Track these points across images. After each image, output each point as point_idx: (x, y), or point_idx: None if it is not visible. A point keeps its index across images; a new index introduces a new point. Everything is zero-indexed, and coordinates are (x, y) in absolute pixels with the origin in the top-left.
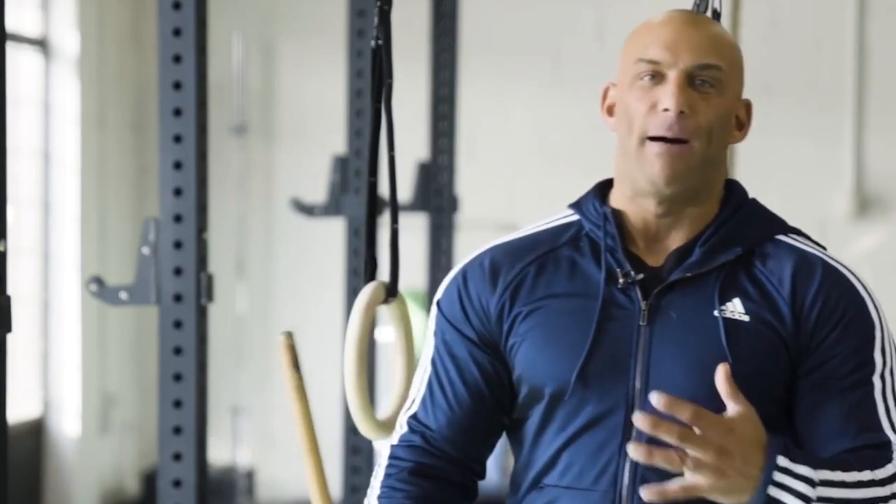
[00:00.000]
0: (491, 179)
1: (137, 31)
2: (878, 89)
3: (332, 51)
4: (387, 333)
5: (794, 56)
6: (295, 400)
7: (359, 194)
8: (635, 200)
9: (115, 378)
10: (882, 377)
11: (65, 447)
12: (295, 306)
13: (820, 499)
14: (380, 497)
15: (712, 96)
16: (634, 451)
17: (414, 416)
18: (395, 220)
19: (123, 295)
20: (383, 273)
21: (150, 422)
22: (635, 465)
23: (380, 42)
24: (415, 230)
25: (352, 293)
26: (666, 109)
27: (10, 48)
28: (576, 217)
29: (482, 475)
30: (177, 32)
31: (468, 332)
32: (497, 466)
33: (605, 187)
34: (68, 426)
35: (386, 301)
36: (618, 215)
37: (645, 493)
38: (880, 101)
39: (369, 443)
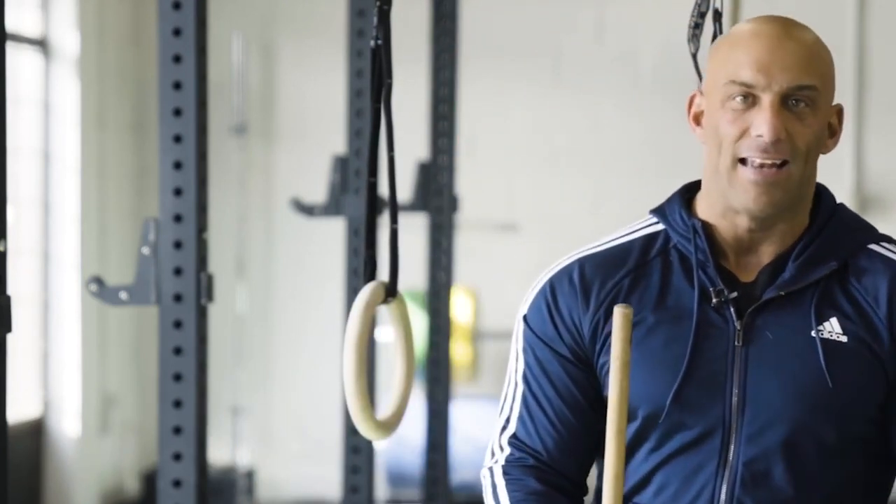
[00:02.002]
0: (491, 179)
1: (137, 31)
2: (877, 90)
3: (332, 51)
4: (386, 333)
5: None
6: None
7: (359, 194)
8: (725, 215)
9: (115, 378)
10: None
11: (65, 447)
12: (295, 306)
13: None
14: (508, 487)
15: (807, 116)
16: None
17: (515, 437)
18: (394, 220)
19: (123, 295)
20: (383, 273)
21: (151, 422)
22: (732, 488)
23: (379, 42)
24: (415, 230)
25: (352, 293)
26: (760, 136)
27: (10, 48)
28: (660, 226)
29: (586, 490)
30: (177, 32)
31: (561, 349)
32: None
33: (687, 192)
34: (68, 426)
35: (386, 301)
36: (707, 228)
37: None
38: (880, 102)
39: (369, 443)
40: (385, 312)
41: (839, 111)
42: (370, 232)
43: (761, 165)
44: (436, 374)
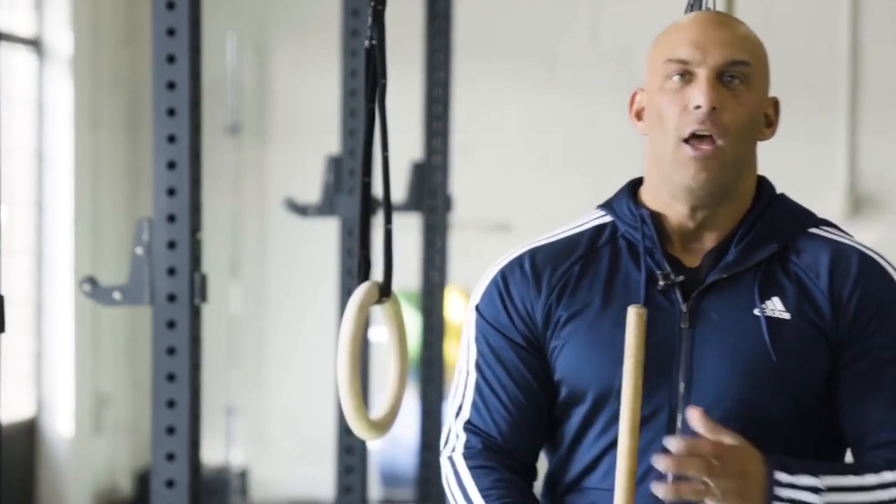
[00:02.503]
0: (485, 179)
1: (131, 31)
2: (871, 90)
3: (326, 51)
4: (380, 334)
5: (787, 56)
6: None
7: (352, 194)
8: (669, 202)
9: (109, 378)
10: None
11: (58, 447)
12: (289, 306)
13: None
14: (471, 473)
15: (742, 92)
16: (659, 490)
17: (470, 423)
18: (388, 220)
19: (117, 295)
20: (377, 273)
21: (144, 422)
22: None
23: (374, 42)
24: (409, 230)
25: (345, 293)
26: (698, 107)
27: (4, 48)
28: (608, 218)
29: (536, 474)
30: (171, 32)
31: (514, 336)
32: None
33: (635, 187)
34: (62, 426)
35: (380, 301)
36: (653, 216)
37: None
38: (874, 102)
39: (363, 443)
40: (379, 312)
41: (775, 103)
42: (364, 232)
43: (700, 139)
44: (429, 374)
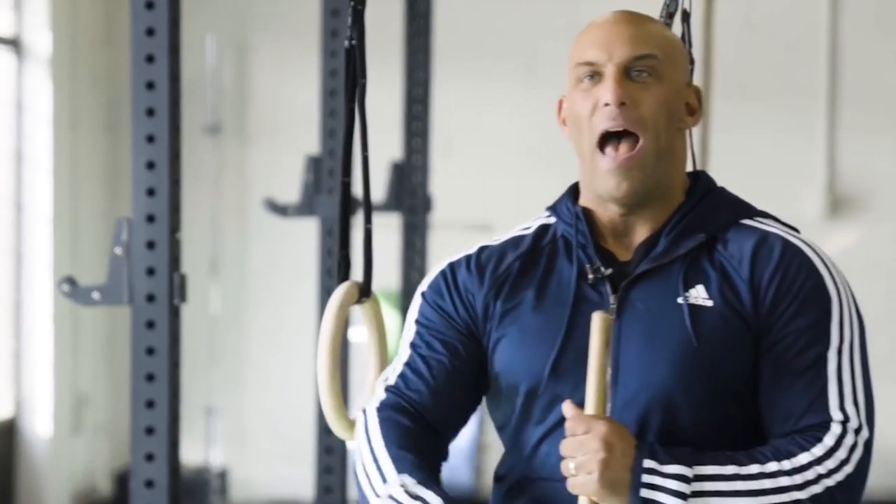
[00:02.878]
0: (465, 179)
1: (110, 31)
2: (850, 90)
3: (306, 51)
4: (360, 333)
5: (767, 56)
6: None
7: (332, 194)
8: (599, 202)
9: (88, 378)
10: (839, 352)
11: (37, 447)
12: (268, 306)
13: (699, 493)
14: (379, 422)
15: (651, 84)
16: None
17: (393, 385)
18: (368, 220)
19: (96, 295)
20: (357, 273)
21: (123, 422)
22: None
23: (353, 42)
24: (388, 230)
25: (325, 293)
26: (607, 104)
27: None
28: (553, 219)
29: (447, 455)
30: (150, 32)
31: (456, 320)
32: (470, 467)
33: (578, 187)
34: (40, 426)
35: (359, 301)
36: (588, 214)
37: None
38: (853, 102)
39: (342, 443)
40: (359, 312)
41: (697, 91)
42: (344, 232)
43: (617, 141)
44: None
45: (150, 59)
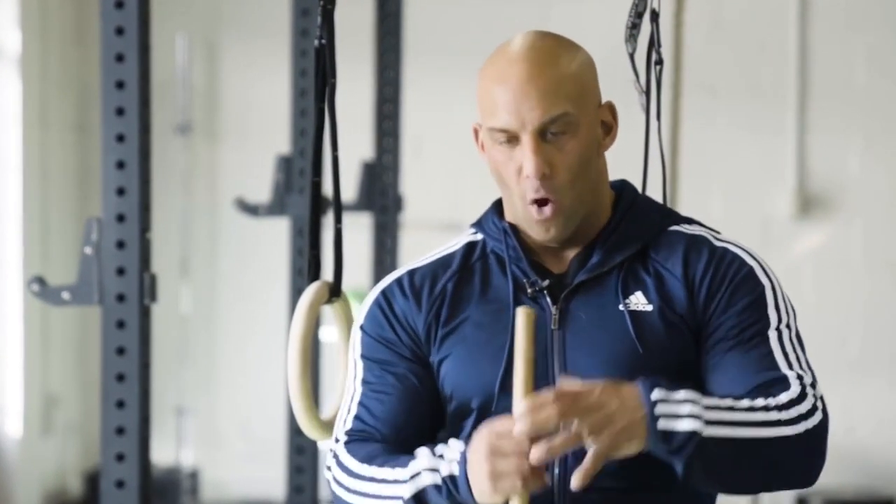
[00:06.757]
0: (436, 179)
1: (80, 30)
2: (820, 91)
3: (277, 50)
4: (330, 333)
5: (737, 57)
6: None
7: (303, 194)
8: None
9: (58, 378)
10: (778, 330)
11: (7, 448)
12: (239, 306)
13: (711, 422)
14: (349, 452)
15: (567, 141)
16: (535, 453)
17: (351, 429)
18: (338, 220)
19: (66, 295)
20: (327, 273)
21: (93, 422)
22: (564, 462)
23: (323, 41)
24: (359, 230)
25: (296, 293)
26: (528, 175)
27: None
28: (480, 235)
29: None
30: (119, 31)
31: (403, 350)
32: None
33: (501, 203)
34: (10, 427)
35: (329, 301)
36: (516, 229)
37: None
38: (822, 103)
39: (313, 443)
40: (329, 312)
41: (611, 107)
42: (314, 232)
43: (540, 204)
44: None
45: (119, 58)
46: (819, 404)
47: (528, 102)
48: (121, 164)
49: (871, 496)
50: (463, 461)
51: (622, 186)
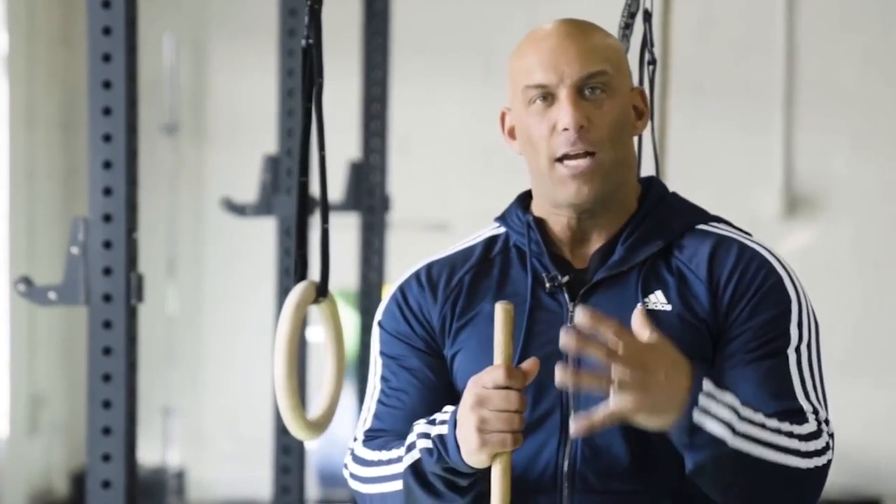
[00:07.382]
0: (423, 179)
1: (67, 29)
2: (807, 90)
3: (264, 50)
4: (317, 333)
5: (724, 56)
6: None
7: (290, 194)
8: (553, 211)
9: (44, 378)
10: (797, 351)
11: None
12: (226, 306)
13: (739, 433)
14: (366, 446)
15: (605, 101)
16: (562, 374)
17: (371, 429)
18: (325, 220)
19: (52, 295)
20: (314, 273)
21: (80, 422)
22: (574, 463)
23: (311, 41)
24: (346, 230)
25: (283, 293)
26: (566, 129)
27: None
28: (503, 229)
29: None
30: (106, 31)
31: (417, 343)
32: None
33: (526, 197)
34: None
35: (316, 301)
36: (540, 223)
37: (574, 429)
38: (809, 102)
39: (300, 443)
40: (316, 312)
41: (642, 93)
42: (301, 232)
43: (575, 157)
44: (366, 373)
45: (106, 58)
46: (830, 443)
47: (565, 57)
48: (108, 164)
49: (856, 496)
50: (453, 421)
51: (650, 181)
